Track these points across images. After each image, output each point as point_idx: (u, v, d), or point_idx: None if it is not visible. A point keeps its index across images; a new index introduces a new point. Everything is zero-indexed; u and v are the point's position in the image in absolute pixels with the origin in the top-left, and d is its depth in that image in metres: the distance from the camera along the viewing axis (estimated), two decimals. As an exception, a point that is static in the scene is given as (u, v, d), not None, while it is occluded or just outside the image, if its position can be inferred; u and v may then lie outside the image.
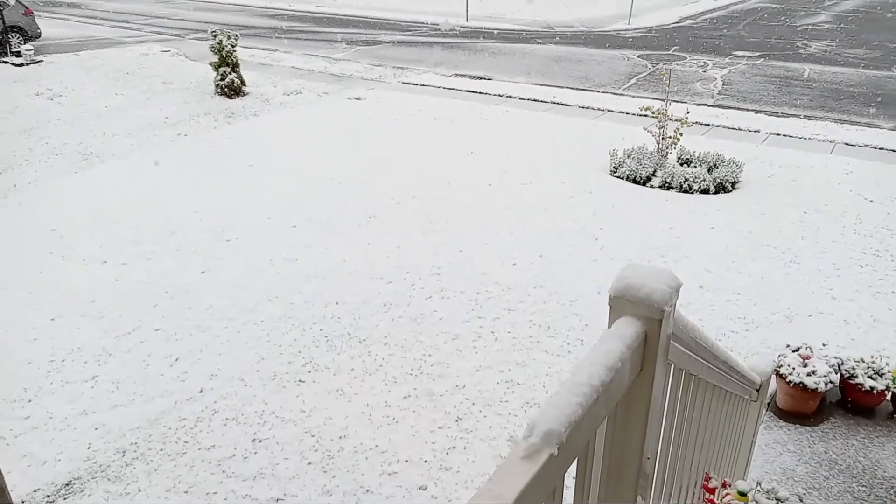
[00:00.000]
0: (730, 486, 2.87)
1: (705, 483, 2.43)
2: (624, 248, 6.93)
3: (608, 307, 1.19)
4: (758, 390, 3.01)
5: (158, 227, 7.47)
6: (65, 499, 3.95)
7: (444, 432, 4.45)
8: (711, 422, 2.24)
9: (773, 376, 4.42)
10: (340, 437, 4.40)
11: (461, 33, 21.09)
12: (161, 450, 4.32)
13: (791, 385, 4.51)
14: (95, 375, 5.05)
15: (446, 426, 4.51)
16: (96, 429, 4.51)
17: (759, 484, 2.99)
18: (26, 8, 18.03)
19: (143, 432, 4.48)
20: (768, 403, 4.64)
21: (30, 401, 4.79)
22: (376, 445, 4.33)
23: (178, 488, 4.01)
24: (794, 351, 4.80)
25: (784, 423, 4.58)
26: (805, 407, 4.60)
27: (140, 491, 3.99)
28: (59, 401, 4.78)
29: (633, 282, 1.14)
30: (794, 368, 4.56)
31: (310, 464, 4.19)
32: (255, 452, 4.28)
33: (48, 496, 3.98)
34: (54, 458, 4.26)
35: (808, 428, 4.53)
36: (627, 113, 11.90)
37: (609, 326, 1.17)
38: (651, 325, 1.13)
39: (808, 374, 4.52)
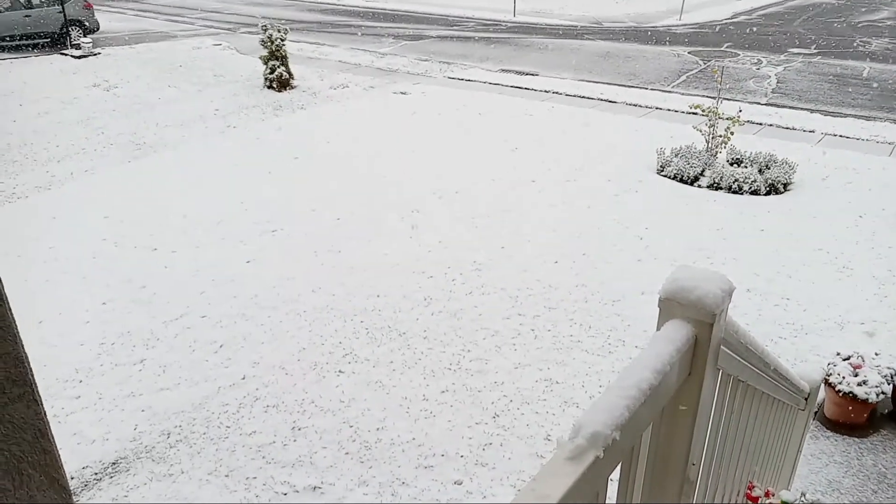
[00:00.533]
0: (773, 495, 2.79)
1: (748, 491, 2.37)
2: (669, 248, 6.80)
3: (657, 308, 1.16)
4: (806, 399, 2.92)
5: (206, 217, 7.64)
6: (111, 477, 4.08)
7: (481, 428, 4.45)
8: (758, 429, 2.18)
9: (822, 385, 4.29)
10: (378, 429, 4.44)
11: (508, 28, 20.97)
12: (204, 433, 4.42)
13: (840, 394, 4.37)
14: (143, 359, 5.20)
15: (483, 422, 4.50)
16: (143, 411, 4.65)
17: (803, 495, 2.91)
18: (86, 2, 18.61)
19: (187, 416, 4.59)
20: (815, 412, 4.50)
21: (81, 381, 4.96)
22: (413, 438, 4.35)
23: (219, 471, 4.10)
24: (844, 359, 4.65)
25: (831, 434, 4.45)
26: (854, 417, 4.45)
27: (182, 473, 4.09)
28: (108, 382, 4.93)
29: (685, 284, 1.11)
30: (844, 377, 4.42)
31: (347, 454, 4.24)
32: (295, 440, 4.35)
33: (96, 473, 4.11)
34: (102, 438, 4.40)
35: (856, 439, 4.39)
36: (676, 111, 11.68)
37: (658, 328, 1.14)
38: (702, 328, 1.10)
39: (859, 384, 4.37)
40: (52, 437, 1.00)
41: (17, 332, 0.93)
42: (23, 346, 0.96)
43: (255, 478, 4.04)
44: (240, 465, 4.15)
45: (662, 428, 1.18)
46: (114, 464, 4.18)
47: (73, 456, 4.22)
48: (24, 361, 0.95)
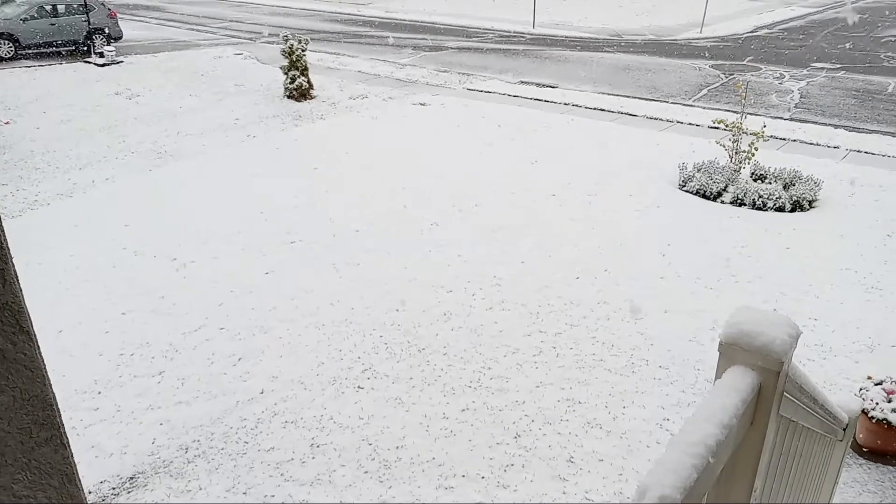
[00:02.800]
0: (810, 530, 2.69)
1: (789, 529, 2.28)
2: (692, 265, 6.70)
3: (717, 353, 1.09)
4: (844, 429, 2.82)
5: (225, 227, 7.64)
6: (129, 492, 4.04)
7: (502, 448, 4.36)
8: (800, 463, 2.09)
9: (855, 411, 4.16)
10: (398, 447, 4.37)
11: (528, 40, 20.95)
12: (222, 449, 4.37)
13: (874, 421, 4.24)
14: (162, 371, 5.17)
15: (504, 442, 4.42)
16: (161, 424, 4.61)
17: (841, 528, 2.80)
18: (110, 10, 18.86)
19: (205, 430, 4.55)
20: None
21: (99, 392, 4.94)
22: (433, 458, 4.28)
23: (237, 489, 4.05)
24: (876, 384, 4.52)
25: (864, 461, 4.32)
26: (888, 445, 4.32)
27: (200, 489, 4.04)
28: (126, 394, 4.91)
29: (749, 328, 1.04)
30: (877, 403, 4.30)
31: (366, 472, 4.17)
32: (313, 457, 4.29)
33: (113, 488, 4.08)
34: (120, 451, 4.37)
35: (891, 468, 4.26)
36: (698, 125, 11.56)
37: (718, 374, 1.07)
38: (767, 376, 1.03)
39: (893, 410, 4.25)
40: (80, 483, 0.95)
41: (47, 374, 0.89)
42: (51, 386, 0.91)
43: (273, 496, 3.98)
44: (258, 482, 4.09)
45: (720, 481, 1.11)
46: (131, 478, 4.15)
47: (91, 470, 4.19)
48: (53, 404, 0.90)
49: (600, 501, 3.92)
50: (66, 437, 0.93)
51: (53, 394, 0.91)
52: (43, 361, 0.89)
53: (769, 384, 1.04)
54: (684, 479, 0.83)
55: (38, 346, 0.88)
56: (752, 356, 1.03)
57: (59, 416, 0.92)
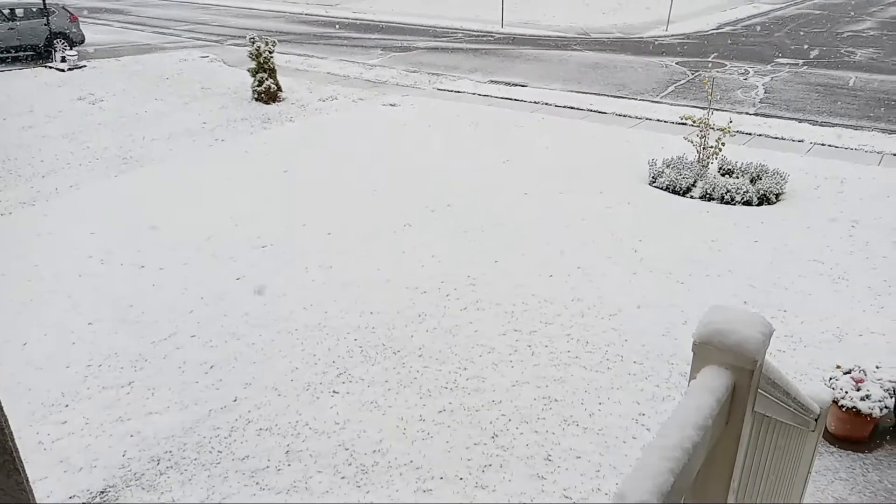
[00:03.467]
0: (785, 520, 2.72)
1: (764, 522, 2.29)
2: (664, 260, 6.76)
3: (691, 353, 1.08)
4: (816, 420, 2.85)
5: (195, 233, 7.51)
6: (100, 507, 3.94)
7: (479, 449, 4.35)
8: (774, 457, 2.11)
9: (826, 401, 4.23)
10: (374, 451, 4.33)
11: (496, 39, 21.00)
12: (195, 459, 4.29)
13: (843, 409, 4.32)
14: (132, 381, 5.07)
15: (482, 442, 4.41)
16: (131, 436, 4.51)
17: (814, 518, 2.84)
18: (71, 14, 18.45)
19: (177, 440, 4.46)
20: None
21: (67, 405, 4.82)
22: (411, 461, 4.25)
23: (212, 499, 3.98)
24: (845, 373, 4.61)
25: (835, 449, 4.39)
26: (858, 432, 4.40)
27: (174, 501, 3.96)
28: (95, 406, 4.80)
29: (722, 327, 1.03)
30: (846, 392, 4.37)
31: (343, 478, 4.13)
32: (289, 464, 4.23)
33: None
34: (90, 465, 4.26)
35: (861, 455, 4.34)
36: (666, 121, 11.69)
37: (692, 374, 1.06)
38: (741, 375, 1.03)
39: (862, 399, 4.33)
40: (36, 509, 0.91)
41: (-3, 399, 0.84)
42: (2, 410, 0.87)
43: (248, 505, 3.92)
44: (233, 491, 4.02)
45: (696, 483, 1.10)
46: (102, 492, 4.05)
47: (60, 485, 4.08)
48: (3, 428, 0.86)
49: (579, 501, 3.93)
50: (20, 462, 0.88)
51: (5, 417, 0.87)
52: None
53: (743, 383, 1.03)
54: (661, 485, 0.82)
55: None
56: (725, 355, 1.02)
57: (12, 439, 0.88)
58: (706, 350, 1.05)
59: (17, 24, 17.38)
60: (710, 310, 1.09)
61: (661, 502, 0.80)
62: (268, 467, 4.21)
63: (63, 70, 15.91)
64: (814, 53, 17.98)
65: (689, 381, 1.04)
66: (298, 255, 6.97)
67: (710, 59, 17.32)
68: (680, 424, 0.90)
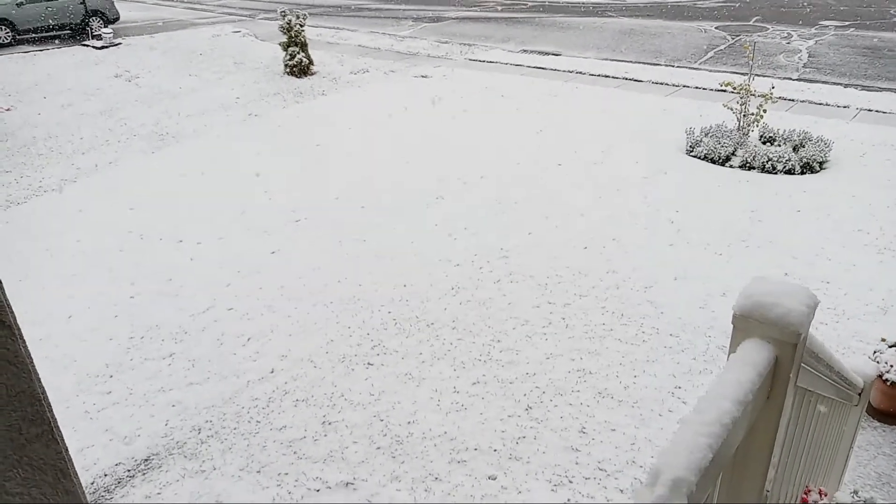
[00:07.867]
0: (826, 494, 2.67)
1: (805, 496, 2.26)
2: (702, 231, 6.62)
3: (730, 326, 1.05)
4: (859, 394, 2.78)
5: (231, 207, 7.60)
6: (143, 474, 4.07)
7: (513, 421, 4.36)
8: (817, 432, 2.06)
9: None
10: (409, 423, 4.37)
11: (529, 7, 20.60)
12: (235, 429, 4.39)
13: (888, 384, 4.20)
14: (172, 353, 5.19)
15: (516, 415, 4.41)
16: (173, 406, 4.63)
17: (856, 493, 2.79)
18: (106, -8, 18.65)
19: (217, 410, 4.56)
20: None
21: (111, 376, 4.96)
22: (445, 432, 4.28)
23: (251, 467, 4.07)
24: (891, 346, 4.47)
25: (879, 424, 4.29)
26: (903, 407, 4.28)
27: (215, 469, 4.07)
28: (138, 377, 4.93)
29: (764, 300, 0.99)
30: (892, 366, 4.25)
31: (378, 448, 4.18)
32: (325, 435, 4.30)
33: (129, 470, 4.11)
34: (134, 434, 4.39)
35: (906, 430, 4.22)
36: (704, 88, 11.37)
37: (732, 348, 1.03)
38: (784, 349, 0.99)
39: (908, 373, 4.20)
40: (76, 477, 0.93)
41: (34, 369, 0.86)
42: (39, 381, 0.88)
43: (286, 473, 4.00)
44: (271, 460, 4.11)
45: (736, 457, 1.07)
46: (146, 460, 4.17)
47: (106, 452, 4.22)
48: (42, 399, 0.87)
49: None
50: (59, 432, 0.90)
51: (43, 388, 0.88)
52: (29, 356, 0.86)
53: (786, 357, 0.99)
54: (699, 461, 0.79)
55: (23, 341, 0.85)
56: (768, 328, 0.98)
57: (50, 410, 0.89)
58: (747, 323, 1.01)
59: (54, 3, 17.65)
60: (751, 281, 1.05)
61: (697, 478, 0.77)
62: (304, 437, 4.28)
63: (99, 48, 16.13)
64: (861, 14, 17.23)
65: (729, 355, 1.00)
66: (333, 229, 7.01)
67: (750, 23, 16.74)
68: (719, 398, 0.87)
